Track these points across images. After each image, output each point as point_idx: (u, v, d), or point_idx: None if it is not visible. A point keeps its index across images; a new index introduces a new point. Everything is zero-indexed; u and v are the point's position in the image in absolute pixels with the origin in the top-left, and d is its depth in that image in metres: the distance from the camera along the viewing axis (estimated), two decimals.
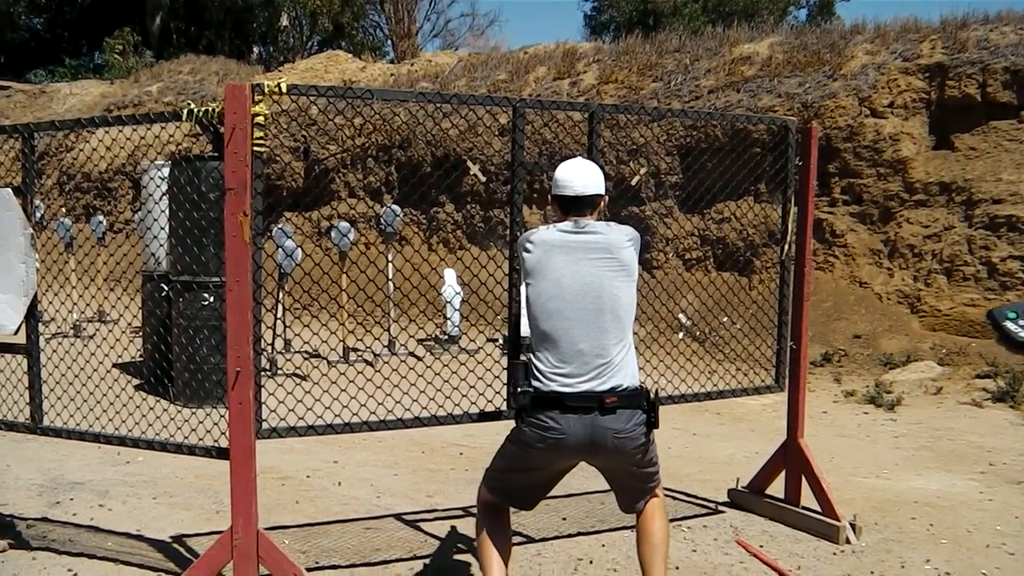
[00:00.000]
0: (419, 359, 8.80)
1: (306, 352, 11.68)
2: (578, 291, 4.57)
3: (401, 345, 12.15)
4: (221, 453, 5.17)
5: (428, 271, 7.09)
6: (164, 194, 9.47)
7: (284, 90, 5.15)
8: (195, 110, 5.22)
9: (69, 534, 6.46)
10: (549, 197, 4.96)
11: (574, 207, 4.81)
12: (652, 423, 4.72)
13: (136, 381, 11.09)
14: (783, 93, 15.44)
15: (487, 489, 4.90)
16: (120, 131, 5.87)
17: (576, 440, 4.48)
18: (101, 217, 17.41)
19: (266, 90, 5.06)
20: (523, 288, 4.75)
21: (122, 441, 5.64)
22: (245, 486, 5.03)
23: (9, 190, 6.00)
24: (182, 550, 6.08)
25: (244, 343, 4.94)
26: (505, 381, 5.89)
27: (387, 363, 6.99)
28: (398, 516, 6.81)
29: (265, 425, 5.24)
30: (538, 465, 4.72)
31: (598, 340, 4.55)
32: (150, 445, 5.53)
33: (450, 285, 12.01)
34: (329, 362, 10.19)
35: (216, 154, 5.18)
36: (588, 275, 4.60)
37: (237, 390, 4.95)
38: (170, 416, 6.16)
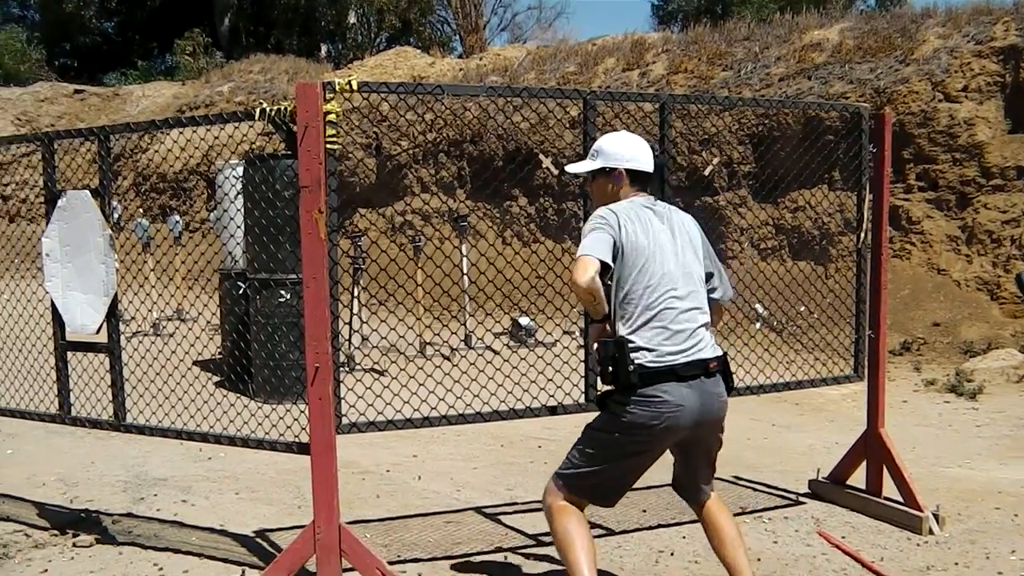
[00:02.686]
0: (496, 353, 8.82)
1: (383, 347, 11.75)
2: (679, 265, 4.66)
3: (478, 339, 12.18)
4: (302, 448, 5.21)
5: (503, 265, 7.07)
6: (239, 193, 9.55)
7: (355, 87, 5.20)
8: (268, 109, 5.28)
9: (154, 529, 6.56)
10: (605, 170, 4.86)
11: (646, 182, 4.90)
12: (730, 387, 4.76)
13: (215, 378, 11.21)
14: (855, 79, 15.28)
15: (567, 491, 4.72)
16: (194, 131, 5.95)
17: (690, 411, 4.50)
18: (177, 217, 17.61)
19: (337, 88, 5.11)
20: (619, 266, 4.57)
21: (204, 437, 5.71)
22: (326, 480, 5.08)
23: (87, 192, 6.09)
24: (265, 544, 6.15)
25: (323, 339, 4.99)
26: (583, 374, 5.90)
27: (464, 357, 7.00)
28: (478, 509, 6.83)
29: (345, 420, 5.30)
30: (643, 449, 4.59)
31: (699, 311, 4.67)
32: (232, 441, 5.59)
33: None
34: (406, 357, 10.27)
35: (289, 152, 5.23)
36: (683, 249, 4.72)
37: (317, 386, 5.00)
38: (250, 412, 6.24)
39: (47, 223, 6.36)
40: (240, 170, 10.37)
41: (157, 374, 6.39)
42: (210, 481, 7.66)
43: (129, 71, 38.72)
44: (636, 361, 4.43)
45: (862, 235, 6.71)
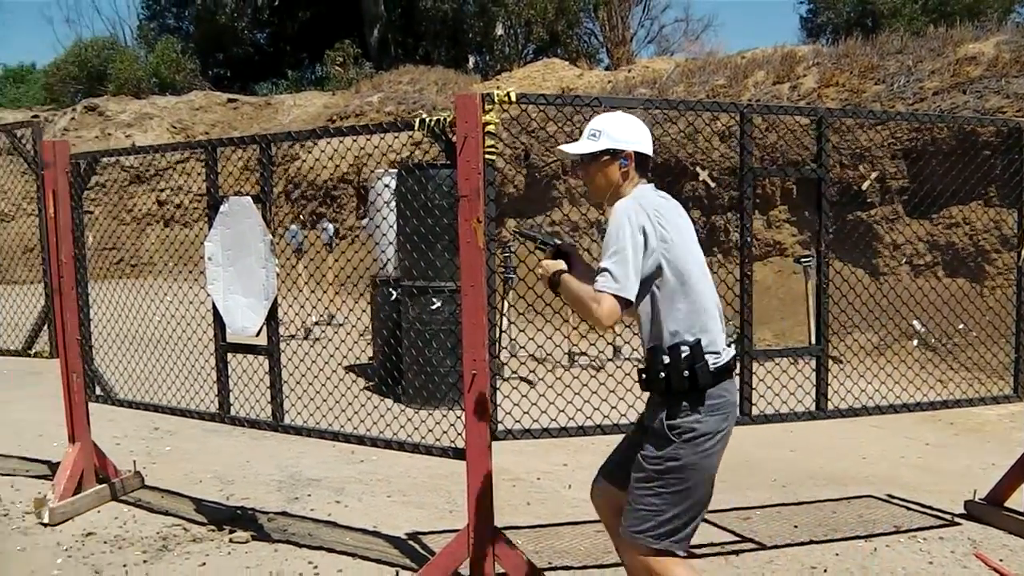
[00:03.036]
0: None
1: (532, 356, 11.82)
2: (702, 256, 4.31)
3: (633, 350, 12.17)
4: (458, 453, 5.30)
5: None
6: (391, 201, 9.70)
7: (513, 99, 5.26)
8: (427, 120, 5.38)
9: (308, 528, 6.72)
10: (610, 153, 4.32)
11: (648, 169, 4.44)
12: None
13: (366, 383, 11.38)
14: (1011, 93, 14.92)
15: (674, 547, 4.11)
16: (341, 141, 6.08)
17: (736, 407, 4.31)
18: (328, 223, 17.91)
19: (496, 99, 5.18)
20: (661, 262, 4.08)
21: (361, 440, 5.84)
22: (482, 486, 5.15)
23: (249, 198, 6.27)
24: (417, 547, 6.26)
25: (479, 346, 5.06)
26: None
27: (620, 368, 7.02)
28: None
29: (500, 427, 5.36)
30: (716, 459, 4.15)
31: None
32: (388, 444, 5.70)
33: None
34: (557, 367, 10.31)
35: (448, 162, 5.33)
36: (696, 240, 4.37)
37: (473, 392, 5.08)
38: (406, 417, 6.34)
39: (209, 228, 6.56)
40: (393, 179, 10.54)
41: (307, 376, 6.52)
42: (362, 483, 7.81)
43: (280, 81, 39.52)
44: (697, 364, 4.04)
45: (1023, 252, 6.58)
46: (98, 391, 7.51)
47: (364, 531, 6.63)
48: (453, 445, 5.44)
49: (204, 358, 7.21)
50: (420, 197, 9.14)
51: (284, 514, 7.10)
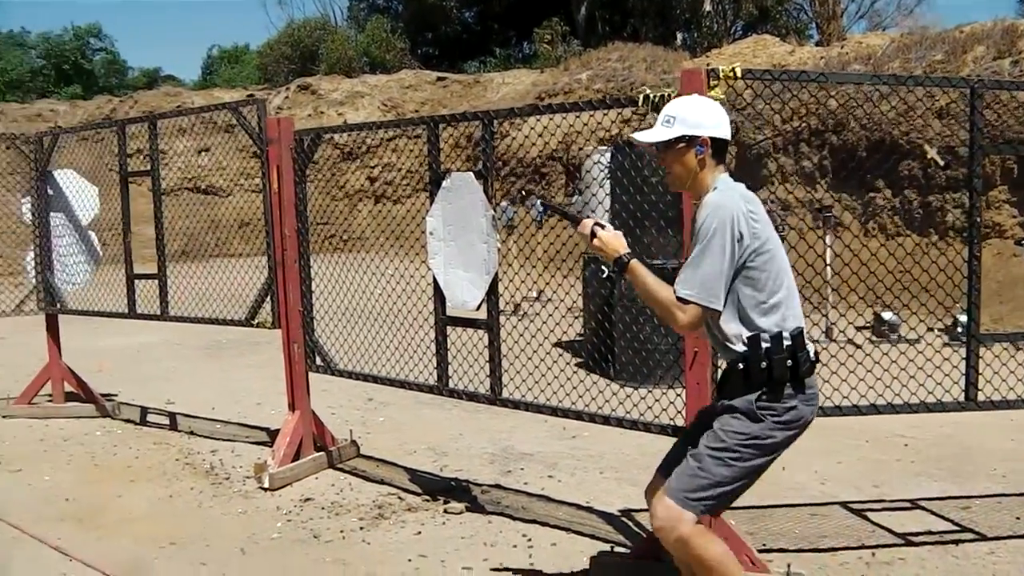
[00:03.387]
0: (858, 347, 8.65)
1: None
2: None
3: (840, 332, 11.96)
4: (677, 431, 5.28)
5: (867, 257, 6.90)
6: (606, 178, 9.68)
7: (739, 74, 5.20)
8: (651, 95, 5.35)
9: (521, 501, 6.79)
10: (685, 139, 4.15)
11: (725, 155, 4.29)
12: None
13: (576, 359, 11.42)
14: None
15: (703, 512, 4.16)
16: (551, 119, 6.08)
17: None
18: (538, 200, 17.92)
19: (721, 75, 5.13)
20: (756, 255, 3.98)
21: (579, 415, 5.87)
22: None
23: (471, 174, 6.34)
24: (631, 524, 6.25)
25: None
26: (963, 372, 5.70)
27: (825, 349, 6.89)
28: (844, 504, 6.70)
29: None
30: (785, 449, 4.17)
31: None
32: (606, 420, 5.70)
33: None
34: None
35: None
36: None
37: (695, 370, 5.06)
38: (617, 393, 6.33)
39: (431, 203, 6.65)
40: (607, 156, 10.50)
41: (518, 350, 6.55)
42: (574, 459, 7.84)
43: (488, 59, 39.90)
44: (796, 355, 4.00)
45: None
46: (318, 361, 7.71)
47: (577, 506, 6.66)
48: (672, 423, 5.42)
49: (418, 331, 7.33)
50: (636, 175, 9.09)
51: (497, 487, 7.19)
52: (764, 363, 3.98)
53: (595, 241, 4.24)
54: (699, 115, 4.17)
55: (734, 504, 6.18)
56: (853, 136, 17.87)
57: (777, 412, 4.02)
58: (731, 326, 4.06)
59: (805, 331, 4.10)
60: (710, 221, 3.93)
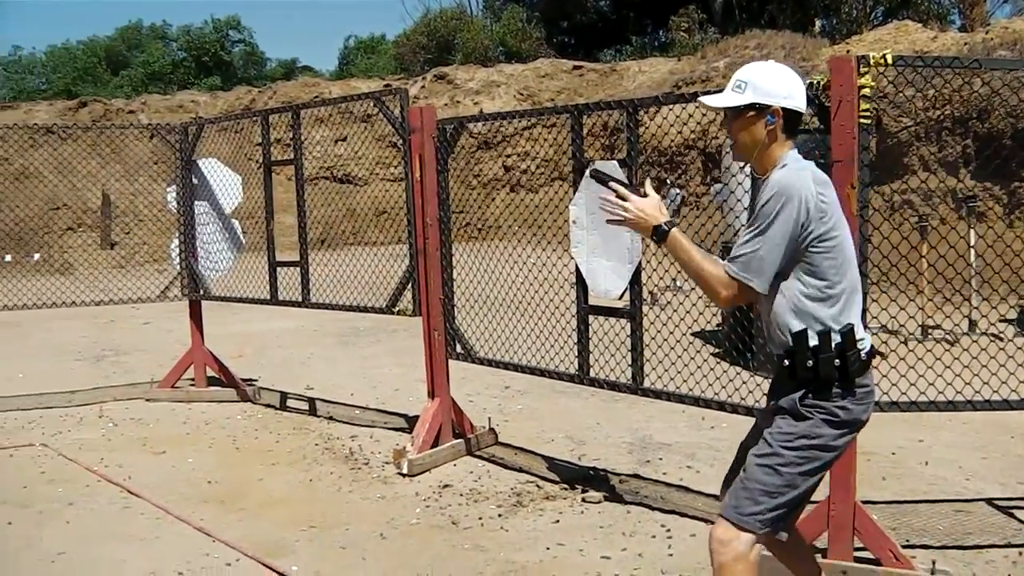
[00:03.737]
0: (1006, 340, 8.42)
1: (884, 328, 11.53)
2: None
3: (991, 324, 11.66)
4: None
5: (1016, 248, 6.69)
6: (744, 167, 9.56)
7: (890, 61, 5.08)
8: None
9: (660, 492, 6.74)
10: (755, 108, 3.86)
11: (798, 128, 3.94)
12: None
13: (713, 349, 11.32)
14: None
15: (760, 528, 3.80)
16: (683, 108, 6.01)
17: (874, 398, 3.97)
18: (676, 189, 17.85)
19: (871, 62, 5.02)
20: (818, 241, 3.71)
21: (721, 406, 5.81)
22: (845, 458, 5.02)
23: (615, 162, 6.30)
24: None
25: None
26: None
27: (975, 342, 6.71)
28: (989, 501, 6.52)
29: None
30: (841, 452, 3.92)
31: None
32: (749, 411, 5.62)
33: None
34: (913, 338, 9.97)
35: (821, 127, 5.20)
36: None
37: None
38: (756, 384, 6.25)
39: (574, 192, 6.62)
40: None
41: (665, 340, 6.50)
42: (713, 449, 7.76)
43: (624, 47, 39.76)
44: (850, 349, 3.74)
45: None
46: (458, 349, 7.74)
47: (716, 497, 6.56)
48: None
49: (557, 320, 7.32)
50: None
51: (636, 476, 7.15)
52: (810, 361, 3.75)
53: (630, 206, 3.94)
54: (773, 83, 3.86)
55: (873, 498, 6.10)
56: (998, 124, 17.41)
57: (825, 410, 3.78)
58: (783, 316, 3.82)
59: (860, 327, 3.85)
60: (775, 201, 3.67)
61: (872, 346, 3.88)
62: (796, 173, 3.72)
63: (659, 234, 3.86)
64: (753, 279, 3.69)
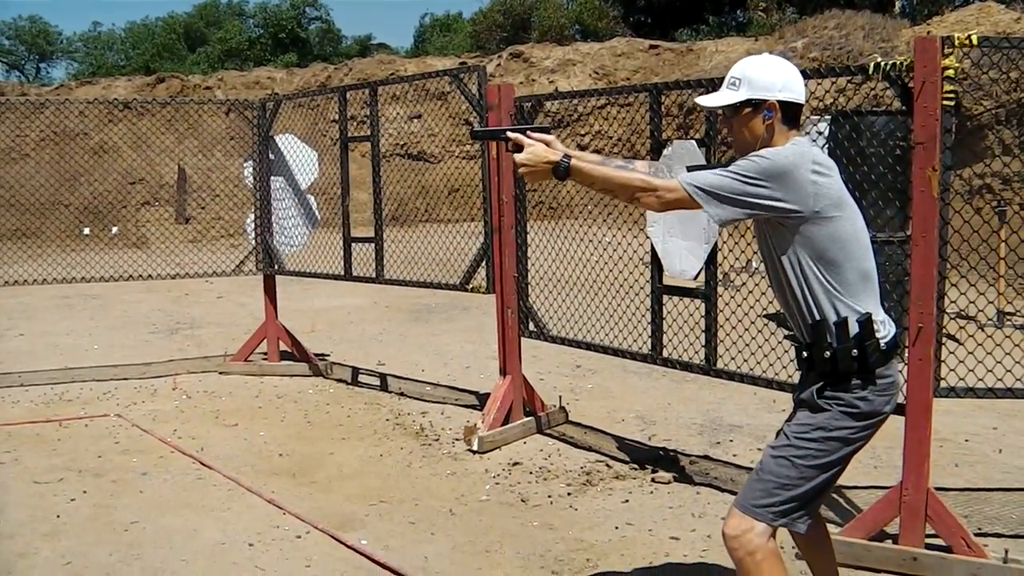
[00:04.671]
0: None
1: (957, 314, 11.41)
2: (864, 224, 3.81)
3: None
4: (896, 409, 5.10)
5: None
6: (821, 148, 9.48)
7: (975, 42, 5.00)
8: (883, 64, 5.21)
9: (730, 473, 6.72)
10: (752, 103, 3.79)
11: (799, 119, 3.87)
12: None
13: (785, 331, 11.22)
14: None
15: (776, 520, 3.73)
16: None
17: (899, 389, 3.91)
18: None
19: (956, 43, 4.95)
20: (833, 221, 3.64)
21: (794, 388, 5.75)
22: (920, 443, 4.99)
23: (693, 142, 6.29)
24: (841, 501, 6.11)
25: (928, 300, 4.90)
26: None
27: None
28: None
29: (943, 384, 5.16)
30: (863, 444, 3.81)
31: None
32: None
33: None
34: (991, 324, 9.82)
35: (904, 108, 5.14)
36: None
37: (919, 346, 4.92)
38: None
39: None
40: (824, 126, 10.28)
41: (735, 321, 6.46)
42: None
43: (701, 27, 39.45)
44: (868, 339, 3.66)
45: None
46: (531, 327, 7.75)
47: None
48: None
49: (631, 300, 7.30)
50: (855, 145, 8.89)
51: (706, 458, 7.13)
52: (827, 352, 3.69)
53: (519, 157, 3.88)
54: (768, 77, 3.79)
55: (945, 485, 6.03)
56: None
57: (844, 402, 3.71)
58: (800, 307, 3.78)
59: (884, 314, 3.80)
60: (762, 159, 3.62)
61: (895, 336, 3.81)
62: (793, 147, 3.68)
63: (560, 171, 3.81)
64: (706, 204, 3.64)
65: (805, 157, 3.62)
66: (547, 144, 3.89)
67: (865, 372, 3.68)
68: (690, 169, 3.84)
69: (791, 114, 3.80)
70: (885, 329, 3.75)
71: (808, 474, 3.70)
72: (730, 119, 3.89)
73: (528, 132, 3.93)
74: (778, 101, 3.76)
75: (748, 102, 3.79)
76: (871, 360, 3.67)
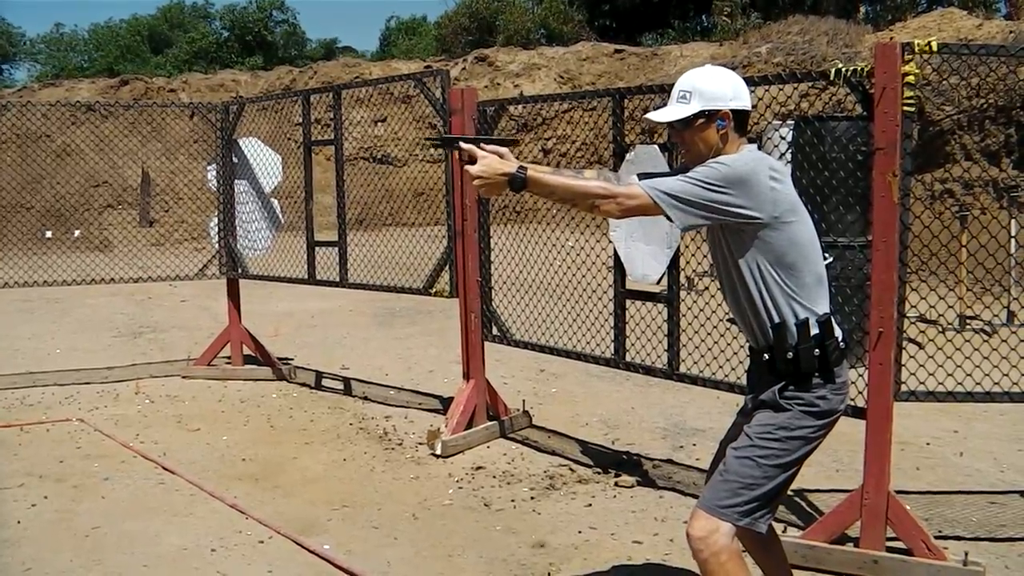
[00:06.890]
0: None
1: (918, 318, 11.48)
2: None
3: None
4: (857, 412, 5.16)
5: None
6: (784, 153, 9.52)
7: (935, 48, 5.04)
8: (843, 69, 5.24)
9: (693, 477, 6.73)
10: (705, 115, 3.81)
11: (747, 126, 3.92)
12: None
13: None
14: None
15: (738, 519, 3.74)
16: None
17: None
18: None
19: (916, 49, 4.98)
20: (790, 225, 3.70)
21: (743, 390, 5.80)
22: (880, 447, 5.02)
23: (656, 147, 6.32)
24: (803, 504, 6.16)
25: (889, 304, 4.93)
26: None
27: (1014, 333, 6.68)
28: (1023, 493, 6.49)
29: (904, 387, 5.19)
30: (819, 443, 3.86)
31: None
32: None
33: None
34: (951, 328, 9.88)
35: (846, 114, 5.18)
36: None
37: (879, 350, 4.95)
38: None
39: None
40: (786, 131, 10.33)
41: (702, 326, 6.48)
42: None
43: (666, 31, 39.55)
44: (827, 340, 3.73)
45: None
46: (495, 331, 7.76)
47: None
48: (852, 403, 5.30)
49: (594, 304, 7.32)
50: (817, 150, 8.93)
51: (669, 462, 7.15)
52: (790, 353, 3.73)
53: (472, 170, 3.81)
54: (719, 88, 3.84)
55: (907, 488, 6.08)
56: None
57: (804, 401, 3.76)
58: (758, 310, 3.81)
59: (832, 318, 3.83)
60: (721, 166, 3.65)
61: (845, 336, 3.89)
62: (749, 154, 3.75)
63: (517, 183, 3.74)
64: (670, 210, 3.63)
65: (763, 163, 3.68)
66: (500, 156, 3.85)
67: (826, 371, 3.74)
68: (641, 177, 3.82)
69: (742, 122, 3.87)
70: (838, 330, 3.84)
71: (771, 473, 3.74)
72: (682, 132, 3.91)
73: (481, 144, 3.85)
74: (731, 110, 3.81)
75: (702, 113, 3.81)
76: (832, 359, 3.74)
